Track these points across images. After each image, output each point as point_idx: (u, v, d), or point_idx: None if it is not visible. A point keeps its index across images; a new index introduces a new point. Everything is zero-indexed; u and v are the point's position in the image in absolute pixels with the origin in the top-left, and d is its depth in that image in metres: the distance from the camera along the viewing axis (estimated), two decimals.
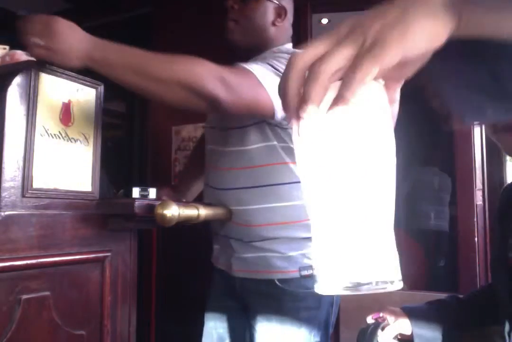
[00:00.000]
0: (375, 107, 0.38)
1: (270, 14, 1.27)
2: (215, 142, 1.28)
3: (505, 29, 0.35)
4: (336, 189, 0.38)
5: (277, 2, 1.27)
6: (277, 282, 1.16)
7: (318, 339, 1.22)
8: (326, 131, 0.37)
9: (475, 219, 2.20)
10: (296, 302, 1.17)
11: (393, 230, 0.40)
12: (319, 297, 1.19)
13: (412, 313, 0.96)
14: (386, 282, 0.37)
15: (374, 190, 0.38)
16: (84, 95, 0.99)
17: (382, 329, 0.94)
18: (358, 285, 0.36)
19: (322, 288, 0.38)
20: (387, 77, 0.39)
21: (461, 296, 1.00)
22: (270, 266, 1.16)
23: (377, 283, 0.37)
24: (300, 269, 1.17)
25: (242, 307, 1.27)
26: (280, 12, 1.29)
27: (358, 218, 0.38)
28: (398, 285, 0.38)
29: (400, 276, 0.39)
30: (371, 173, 0.38)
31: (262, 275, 1.18)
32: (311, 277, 1.16)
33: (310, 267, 1.18)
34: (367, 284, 0.36)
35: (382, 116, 0.38)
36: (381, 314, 0.96)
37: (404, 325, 0.95)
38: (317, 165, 0.38)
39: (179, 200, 1.38)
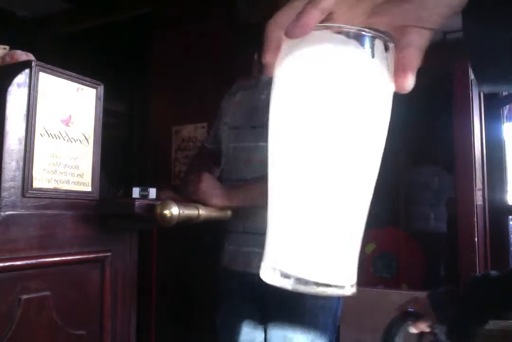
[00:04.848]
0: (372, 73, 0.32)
1: None
2: (243, 140, 1.36)
3: None
4: (308, 167, 0.31)
5: None
6: None
7: (331, 329, 1.26)
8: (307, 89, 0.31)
9: (475, 219, 2.21)
10: None
11: (362, 231, 0.34)
12: None
13: (434, 299, 0.95)
14: (333, 286, 0.32)
15: (354, 180, 0.32)
16: (84, 95, 0.99)
17: (411, 321, 0.94)
18: (301, 282, 0.32)
19: (265, 275, 0.34)
20: (405, 21, 0.34)
21: (494, 273, 0.98)
22: None
23: (322, 284, 0.32)
24: None
25: (258, 307, 1.29)
26: None
27: (326, 207, 0.32)
28: (349, 290, 0.33)
29: (353, 282, 0.33)
30: (355, 151, 0.31)
31: None
32: None
33: None
34: (312, 282, 0.31)
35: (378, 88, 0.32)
36: (409, 309, 0.96)
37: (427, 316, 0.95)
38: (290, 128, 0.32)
39: (180, 200, 1.39)
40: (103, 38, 3.23)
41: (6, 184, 0.84)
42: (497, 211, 2.27)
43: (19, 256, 0.84)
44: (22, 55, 1.06)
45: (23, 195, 0.86)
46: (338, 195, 0.32)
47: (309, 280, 0.31)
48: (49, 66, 0.92)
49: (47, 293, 0.88)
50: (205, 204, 1.13)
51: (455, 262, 2.32)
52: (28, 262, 0.85)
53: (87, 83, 1.00)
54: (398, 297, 2.28)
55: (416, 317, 0.95)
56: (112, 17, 3.10)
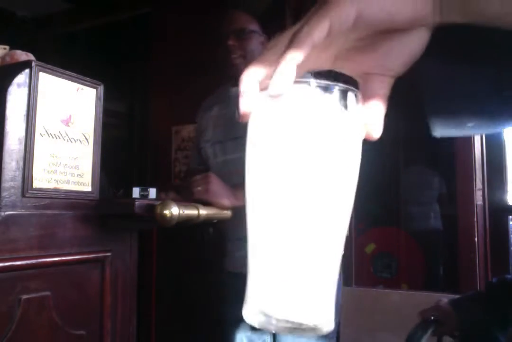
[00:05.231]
0: (340, 121, 0.33)
1: (260, 44, 1.45)
2: (228, 153, 1.38)
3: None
4: (283, 210, 0.33)
5: (260, 33, 1.47)
6: None
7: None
8: (281, 138, 0.33)
9: (475, 219, 2.21)
10: None
11: (338, 269, 0.35)
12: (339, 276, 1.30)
13: (457, 306, 0.96)
14: (314, 326, 0.33)
15: (327, 222, 0.33)
16: (84, 95, 0.99)
17: (434, 328, 0.95)
18: (283, 323, 0.32)
19: (247, 316, 0.34)
20: (369, 69, 0.36)
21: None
22: None
23: (304, 324, 0.32)
24: None
25: None
26: (264, 41, 1.47)
27: (304, 247, 0.33)
28: (329, 328, 0.34)
29: (332, 318, 0.34)
30: (326, 198, 0.33)
31: None
32: None
33: None
34: (293, 323, 0.32)
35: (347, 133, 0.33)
36: (432, 317, 0.96)
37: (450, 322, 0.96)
38: (266, 177, 0.34)
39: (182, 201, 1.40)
40: (103, 38, 3.23)
41: (6, 184, 0.84)
42: (497, 211, 2.27)
43: (19, 256, 0.84)
44: (22, 55, 1.06)
45: (23, 195, 0.86)
46: (313, 238, 0.33)
47: (290, 321, 0.32)
48: (49, 66, 0.92)
49: (47, 293, 0.88)
50: (214, 205, 1.13)
51: (455, 262, 2.32)
52: (28, 262, 0.85)
53: (87, 83, 1.00)
54: (398, 297, 2.28)
55: (437, 323, 0.96)
56: (112, 17, 3.10)
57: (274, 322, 0.32)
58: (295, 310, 0.32)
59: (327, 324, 0.34)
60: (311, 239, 0.33)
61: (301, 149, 0.32)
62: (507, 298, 0.92)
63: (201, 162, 1.57)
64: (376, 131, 0.35)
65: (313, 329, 0.33)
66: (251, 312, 0.34)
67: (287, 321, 0.32)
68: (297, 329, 0.32)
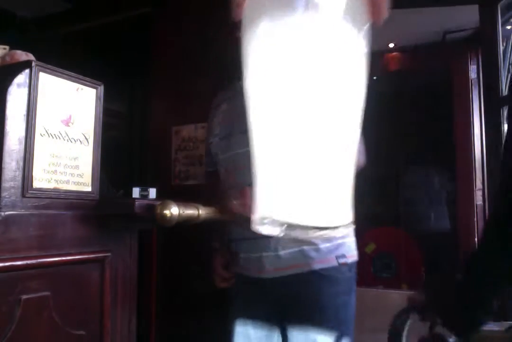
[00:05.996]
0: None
1: None
2: (238, 147, 1.39)
3: None
4: (287, 118, 0.34)
5: None
6: (316, 269, 1.21)
7: (351, 328, 1.25)
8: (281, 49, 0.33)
9: (475, 219, 2.21)
10: (333, 286, 1.22)
11: (350, 175, 0.36)
12: (351, 282, 1.24)
13: (428, 292, 0.94)
14: (324, 228, 0.34)
15: (332, 127, 0.34)
16: (84, 95, 0.99)
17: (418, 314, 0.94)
18: (292, 227, 0.33)
19: (257, 226, 0.35)
20: None
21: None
22: (309, 258, 1.19)
23: (313, 227, 0.34)
24: (336, 258, 1.21)
25: (275, 309, 1.29)
26: None
27: (308, 156, 0.33)
28: (342, 231, 0.35)
29: (346, 222, 0.35)
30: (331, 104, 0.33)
31: (302, 268, 1.22)
32: (347, 265, 1.22)
33: (344, 255, 1.22)
34: (302, 226, 0.33)
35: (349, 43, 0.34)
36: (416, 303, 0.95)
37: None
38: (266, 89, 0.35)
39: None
40: (102, 39, 3.23)
41: (6, 184, 0.84)
42: None
43: (19, 256, 0.84)
44: (22, 55, 1.06)
45: (23, 195, 0.86)
46: (316, 144, 0.34)
47: (299, 225, 0.34)
48: (49, 66, 0.92)
49: (47, 293, 0.88)
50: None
51: (455, 262, 2.32)
52: (28, 262, 0.85)
53: (87, 83, 1.00)
54: (398, 297, 2.28)
55: (422, 309, 0.94)
56: (112, 17, 3.10)
57: (283, 227, 0.33)
58: (302, 214, 0.33)
59: (341, 226, 0.35)
60: (320, 143, 0.33)
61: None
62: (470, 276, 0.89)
63: (213, 164, 1.54)
64: (381, 13, 0.34)
65: (323, 231, 0.34)
66: (260, 222, 0.35)
67: (295, 225, 0.33)
68: (305, 232, 0.34)
